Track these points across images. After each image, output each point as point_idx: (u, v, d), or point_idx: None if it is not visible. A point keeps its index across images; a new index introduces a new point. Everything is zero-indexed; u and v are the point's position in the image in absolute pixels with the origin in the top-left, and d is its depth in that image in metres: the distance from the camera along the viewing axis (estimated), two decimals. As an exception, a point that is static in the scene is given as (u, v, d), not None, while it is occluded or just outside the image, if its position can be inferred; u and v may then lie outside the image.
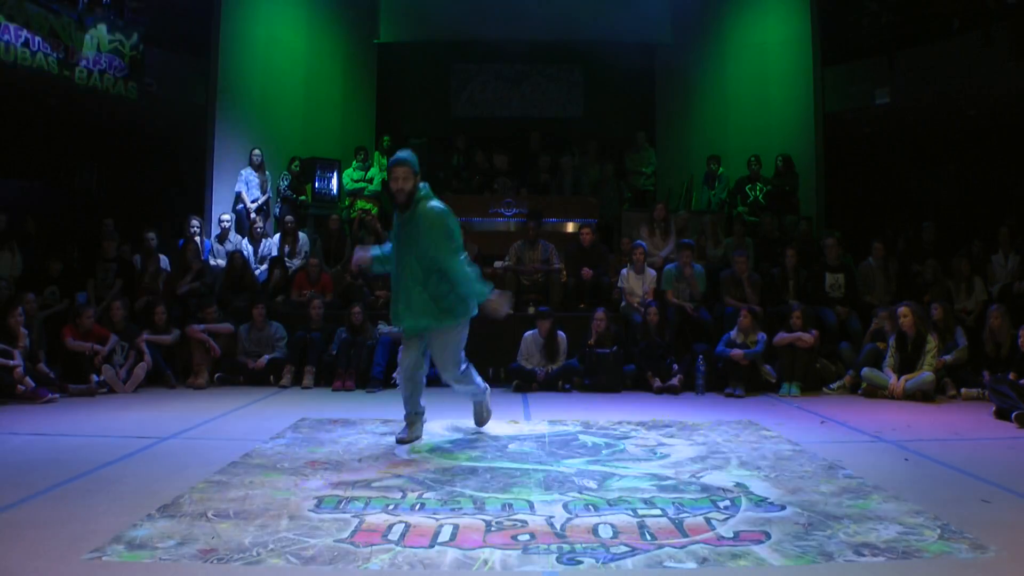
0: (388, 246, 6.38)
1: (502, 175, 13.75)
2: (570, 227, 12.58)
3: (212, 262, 11.59)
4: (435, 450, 6.06)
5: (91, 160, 13.82)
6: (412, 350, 6.27)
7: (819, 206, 13.78)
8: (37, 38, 10.79)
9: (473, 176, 14.22)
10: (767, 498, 4.65)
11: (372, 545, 3.80)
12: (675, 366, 9.48)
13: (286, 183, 13.31)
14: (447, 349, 6.23)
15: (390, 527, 4.07)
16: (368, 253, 6.36)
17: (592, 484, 4.99)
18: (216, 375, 9.72)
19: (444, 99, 16.66)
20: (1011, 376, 7.92)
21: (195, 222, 11.93)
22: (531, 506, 4.47)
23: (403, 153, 6.08)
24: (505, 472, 5.32)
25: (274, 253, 11.85)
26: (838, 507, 4.45)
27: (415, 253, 5.96)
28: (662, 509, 4.42)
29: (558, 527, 4.10)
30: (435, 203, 5.98)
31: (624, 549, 3.77)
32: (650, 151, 14.59)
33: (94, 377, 8.84)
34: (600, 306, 10.05)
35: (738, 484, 4.98)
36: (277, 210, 13.34)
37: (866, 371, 9.10)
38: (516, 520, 4.22)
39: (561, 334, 9.60)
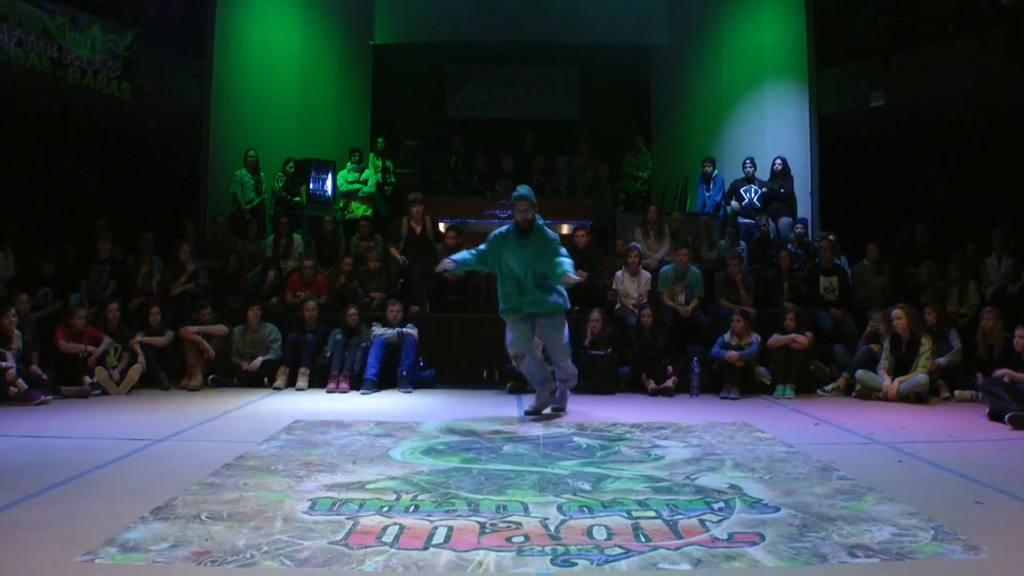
0: (467, 255, 8.07)
1: (505, 177, 13.75)
2: (565, 229, 12.56)
3: (206, 264, 11.56)
4: (429, 452, 6.06)
5: (85, 160, 13.77)
6: (523, 333, 7.85)
7: (813, 208, 13.79)
8: (31, 37, 10.77)
9: (471, 177, 14.20)
10: (761, 500, 4.65)
11: (366, 547, 3.80)
12: (669, 368, 9.49)
13: (280, 184, 13.29)
14: (556, 331, 7.80)
15: (384, 529, 4.07)
16: (452, 264, 8.10)
17: (586, 486, 4.99)
18: (210, 377, 9.70)
19: (439, 101, 16.61)
20: (1005, 379, 7.92)
21: (189, 223, 11.91)
22: (525, 508, 4.47)
23: (524, 190, 7.83)
24: (499, 474, 5.32)
25: (268, 255, 11.83)
26: (832, 508, 4.45)
27: (534, 265, 7.64)
28: (656, 511, 4.42)
29: (552, 529, 4.10)
30: (549, 230, 7.86)
31: (618, 551, 3.77)
32: (647, 154, 14.60)
33: (87, 379, 8.82)
34: (594, 308, 10.05)
35: (732, 486, 4.99)
36: (272, 211, 13.32)
37: (860, 373, 9.11)
38: (510, 522, 4.22)
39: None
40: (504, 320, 7.92)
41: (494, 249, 7.80)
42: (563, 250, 7.76)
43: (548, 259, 7.63)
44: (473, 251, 8.06)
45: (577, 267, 10.60)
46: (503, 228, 7.93)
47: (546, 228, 7.87)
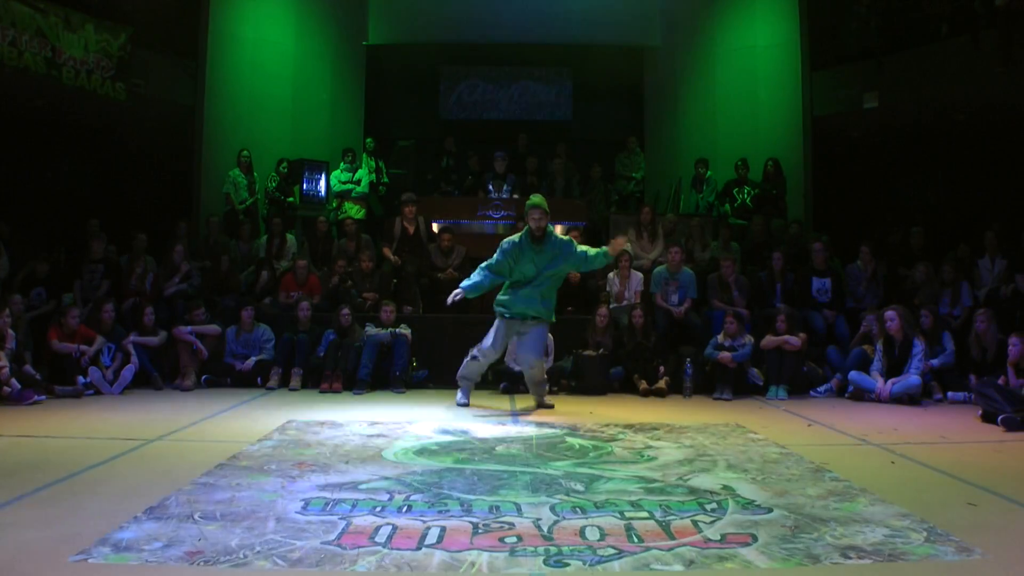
0: (478, 279, 8.24)
1: (499, 178, 13.75)
2: (558, 230, 12.53)
3: (199, 264, 11.54)
4: (422, 452, 6.06)
5: (79, 160, 13.75)
6: (507, 340, 8.52)
7: (806, 210, 13.80)
8: (24, 37, 10.74)
9: (464, 178, 14.19)
10: (754, 501, 4.66)
11: (359, 547, 3.79)
12: (661, 369, 9.49)
13: (274, 184, 13.27)
14: (538, 338, 8.34)
15: (377, 529, 4.07)
16: (462, 292, 8.27)
17: (579, 486, 4.99)
18: (203, 377, 9.69)
19: (432, 101, 16.58)
20: (1000, 381, 7.94)
21: (183, 223, 11.89)
22: (518, 508, 4.47)
23: (538, 199, 8.24)
24: (492, 474, 5.32)
25: (261, 255, 11.82)
26: (825, 510, 4.46)
27: (547, 270, 8.15)
28: (649, 511, 4.43)
29: (545, 529, 4.10)
30: (556, 234, 8.46)
31: (611, 551, 3.78)
32: (640, 155, 14.60)
33: (80, 379, 8.80)
34: (589, 308, 10.11)
35: (725, 487, 4.99)
36: (265, 211, 13.31)
37: (853, 374, 9.12)
38: (503, 522, 4.22)
39: (549, 336, 9.57)
40: (499, 316, 8.30)
41: (512, 258, 8.14)
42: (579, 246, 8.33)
43: (568, 260, 8.29)
44: (483, 271, 8.27)
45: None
46: (515, 237, 8.31)
47: (554, 232, 8.41)
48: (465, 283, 8.34)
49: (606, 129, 15.72)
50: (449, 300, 8.39)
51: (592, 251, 8.32)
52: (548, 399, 8.55)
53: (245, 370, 9.68)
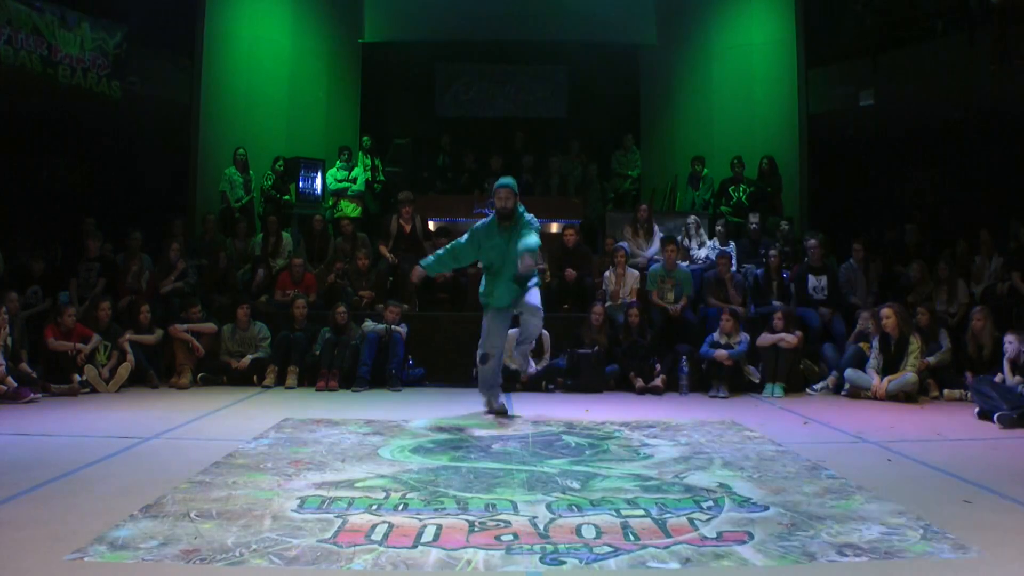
0: (437, 255, 8.14)
1: (495, 176, 13.74)
2: (554, 228, 12.57)
3: (196, 262, 11.53)
4: (418, 450, 6.05)
5: (75, 159, 13.73)
6: (504, 327, 7.98)
7: (802, 207, 13.81)
8: (20, 35, 10.72)
9: (460, 175, 14.19)
10: (750, 498, 4.66)
11: (355, 545, 3.79)
12: (658, 366, 9.49)
13: (270, 183, 13.26)
14: (533, 311, 7.73)
15: (373, 527, 4.06)
16: (422, 270, 8.07)
17: (575, 484, 5.00)
18: (199, 375, 9.67)
19: (428, 99, 16.57)
20: (997, 379, 7.95)
21: (179, 221, 11.88)
22: (514, 506, 4.47)
23: (506, 179, 7.80)
24: (488, 472, 5.32)
25: (257, 253, 11.80)
26: (821, 507, 4.46)
27: (511, 254, 7.50)
28: (645, 509, 4.43)
29: (541, 527, 4.10)
30: (528, 216, 7.71)
31: (607, 549, 3.78)
32: (636, 153, 14.62)
33: (76, 377, 8.79)
34: (585, 306, 10.11)
35: (721, 484, 4.99)
36: (261, 209, 13.30)
37: (849, 372, 9.13)
38: (499, 520, 4.22)
39: (545, 333, 9.56)
40: (484, 310, 8.00)
41: (475, 241, 7.81)
42: (535, 233, 7.59)
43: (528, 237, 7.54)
44: (447, 247, 8.08)
45: (566, 266, 10.74)
46: (485, 220, 7.92)
47: (526, 214, 7.72)
48: (423, 261, 8.17)
49: (602, 127, 15.69)
50: (412, 277, 8.19)
51: (531, 241, 7.44)
52: (508, 404, 8.08)
53: (241, 368, 9.67)
